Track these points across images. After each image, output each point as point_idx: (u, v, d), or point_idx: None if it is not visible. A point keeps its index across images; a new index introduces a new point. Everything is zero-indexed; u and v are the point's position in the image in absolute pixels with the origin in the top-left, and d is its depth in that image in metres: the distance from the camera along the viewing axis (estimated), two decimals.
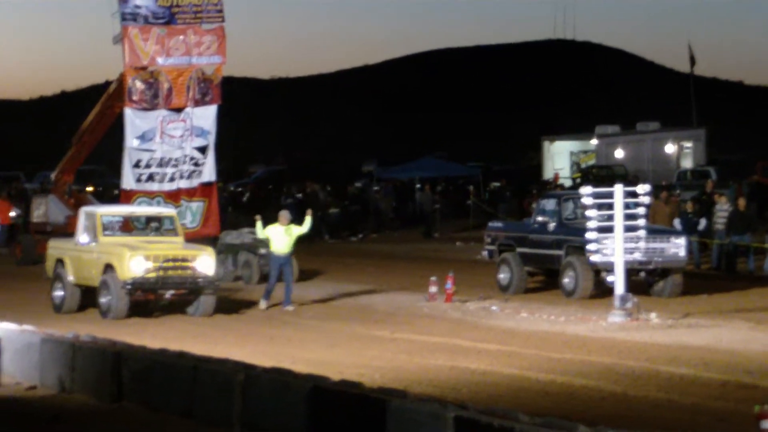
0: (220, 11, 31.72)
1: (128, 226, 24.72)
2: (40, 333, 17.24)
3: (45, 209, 33.79)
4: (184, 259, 23.18)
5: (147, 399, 14.70)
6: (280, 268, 24.62)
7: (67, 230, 31.25)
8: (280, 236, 24.77)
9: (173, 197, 30.81)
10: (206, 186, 31.45)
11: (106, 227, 24.05)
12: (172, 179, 31.05)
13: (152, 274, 22.80)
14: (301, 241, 37.22)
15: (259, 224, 24.99)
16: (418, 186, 49.50)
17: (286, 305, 24.47)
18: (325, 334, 21.33)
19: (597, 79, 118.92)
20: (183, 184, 31.11)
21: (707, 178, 47.97)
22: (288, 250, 24.76)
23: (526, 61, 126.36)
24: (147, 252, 23.02)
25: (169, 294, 23.14)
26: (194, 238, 27.17)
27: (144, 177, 30.91)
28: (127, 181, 30.97)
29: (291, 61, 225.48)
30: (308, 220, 25.33)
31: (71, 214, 32.49)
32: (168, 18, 31.27)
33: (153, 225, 24.62)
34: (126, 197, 30.79)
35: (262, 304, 24.57)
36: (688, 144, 57.81)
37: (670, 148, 57.69)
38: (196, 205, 31.19)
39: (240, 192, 52.03)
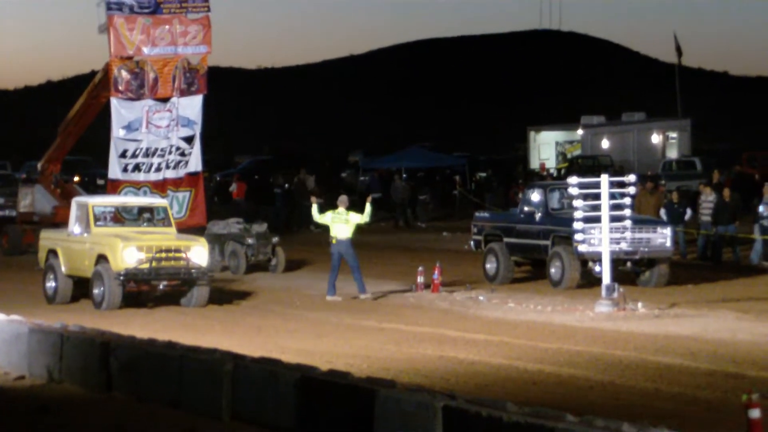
0: (206, 1, 31.66)
1: (120, 216, 24.65)
2: (28, 323, 17.22)
3: (31, 199, 33.72)
4: (177, 250, 23.14)
5: (136, 389, 14.70)
6: (341, 257, 24.28)
7: (53, 220, 31.23)
8: (334, 221, 24.48)
9: (159, 187, 30.77)
10: (192, 176, 31.40)
11: (98, 218, 23.99)
12: (158, 169, 31.00)
13: (145, 265, 22.76)
14: (287, 232, 37.11)
15: (315, 207, 24.78)
16: (405, 176, 49.47)
17: (362, 293, 24.20)
18: (312, 324, 21.34)
19: (582, 69, 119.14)
20: (169, 174, 31.06)
21: (693, 168, 48.09)
22: (345, 236, 24.40)
23: (512, 51, 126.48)
24: (140, 243, 22.98)
25: (162, 285, 23.09)
26: (181, 229, 27.13)
27: (130, 167, 30.85)
28: (114, 171, 30.89)
29: (277, 51, 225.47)
30: (368, 208, 24.95)
31: (58, 204, 32.44)
32: (153, 8, 31.19)
33: (145, 215, 24.57)
34: (112, 187, 30.73)
35: (330, 298, 24.23)
36: (674, 134, 57.99)
37: (655, 139, 57.84)
38: (183, 195, 31.15)
39: (228, 182, 51.96)
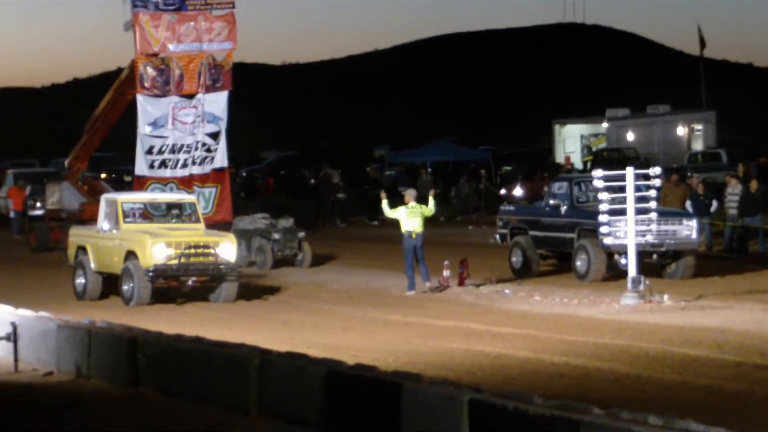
0: None
1: (149, 213, 24.71)
2: (56, 319, 17.33)
3: (59, 196, 33.85)
4: (206, 246, 23.19)
5: (163, 384, 14.78)
6: (414, 250, 24.20)
7: (81, 217, 31.34)
8: (409, 216, 24.41)
9: (186, 183, 30.87)
10: (218, 172, 31.48)
11: (127, 214, 24.06)
12: (184, 165, 31.09)
13: (174, 261, 22.82)
14: (313, 226, 37.16)
15: (385, 203, 24.81)
16: (430, 170, 49.47)
17: (426, 281, 24.25)
18: (338, 318, 21.39)
19: (607, 62, 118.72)
20: (195, 170, 31.15)
21: (719, 161, 47.89)
22: (420, 230, 24.34)
23: (537, 45, 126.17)
24: (169, 239, 23.04)
25: (191, 281, 23.15)
26: (208, 225, 27.23)
27: (157, 163, 30.96)
28: (140, 168, 31.01)
29: (302, 46, 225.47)
30: (432, 201, 24.88)
31: (85, 201, 32.58)
32: (179, 4, 31.28)
33: (174, 212, 24.62)
34: (139, 184, 30.85)
35: (410, 293, 24.18)
36: (699, 126, 57.79)
37: (680, 131, 57.65)
38: (209, 191, 31.23)
39: (253, 178, 52.10)
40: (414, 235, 24.24)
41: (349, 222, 42.09)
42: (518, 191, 42.19)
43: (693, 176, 34.08)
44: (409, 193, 24.94)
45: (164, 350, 15.00)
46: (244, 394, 13.46)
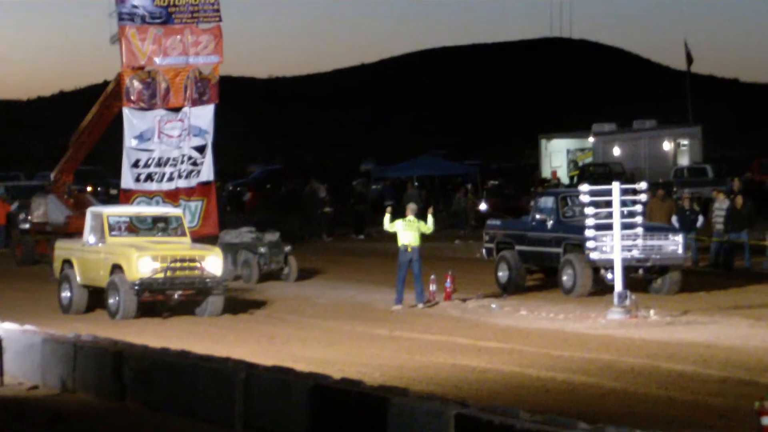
0: (217, 11, 31.80)
1: (135, 226, 24.69)
2: (42, 333, 17.29)
3: (45, 209, 33.80)
4: (192, 260, 23.17)
5: (149, 398, 14.75)
6: (409, 264, 24.11)
7: (66, 230, 31.30)
8: (405, 229, 24.32)
9: (172, 197, 30.88)
10: (204, 185, 31.52)
11: (113, 228, 24.01)
12: (170, 179, 31.11)
13: (160, 275, 22.80)
14: (299, 240, 37.13)
15: (387, 216, 24.74)
16: (416, 184, 49.48)
17: (419, 301, 24.09)
18: (325, 332, 21.38)
19: (593, 76, 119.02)
20: (181, 183, 31.18)
21: (705, 176, 48.03)
22: (416, 244, 24.26)
23: (523, 59, 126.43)
24: (155, 252, 23.02)
25: (177, 294, 23.12)
26: (194, 238, 27.22)
27: (143, 177, 30.97)
28: (126, 181, 31.03)
29: (288, 60, 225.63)
30: (431, 218, 24.72)
31: (71, 215, 32.53)
32: (165, 18, 31.33)
33: (160, 225, 24.61)
34: (125, 197, 30.86)
35: (397, 307, 24.02)
36: (685, 141, 58.00)
37: (666, 146, 57.85)
38: (195, 205, 31.26)
39: (240, 192, 52.12)
40: (409, 249, 24.23)
41: (335, 236, 42.12)
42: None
43: (684, 191, 34.07)
44: (410, 208, 24.97)
45: (150, 364, 14.97)
46: (230, 409, 13.44)
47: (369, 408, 11.81)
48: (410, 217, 24.45)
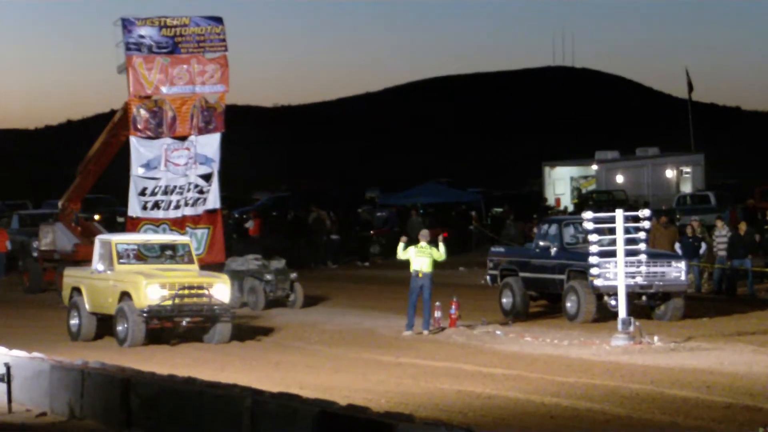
0: (223, 40, 31.99)
1: (143, 254, 24.82)
2: (50, 360, 17.39)
3: (52, 237, 33.94)
4: (200, 287, 23.30)
5: (156, 425, 14.83)
6: (420, 290, 24.31)
7: (74, 258, 31.43)
8: (417, 255, 24.50)
9: (178, 224, 31.03)
10: (211, 213, 31.67)
11: (122, 255, 24.16)
12: (177, 206, 31.27)
13: (168, 302, 22.92)
14: (305, 267, 37.19)
15: (402, 245, 24.81)
16: (421, 211, 49.58)
17: (425, 328, 24.26)
18: (330, 359, 21.48)
19: (596, 105, 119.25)
20: (188, 211, 31.33)
21: (707, 203, 48.16)
22: (428, 270, 24.48)
23: (526, 88, 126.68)
24: (163, 280, 23.14)
25: (185, 321, 23.24)
26: (200, 266, 27.35)
27: (150, 204, 31.12)
28: (133, 209, 31.17)
29: (294, 89, 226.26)
30: (442, 246, 24.88)
31: (78, 242, 32.67)
32: (172, 47, 31.54)
33: (167, 253, 24.74)
34: (132, 225, 30.99)
35: (408, 333, 24.23)
36: (687, 169, 58.17)
37: (669, 173, 58.01)
38: (201, 232, 31.40)
39: (245, 219, 52.19)
40: (420, 275, 24.40)
41: (341, 263, 42.23)
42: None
43: (692, 218, 33.96)
44: (423, 235, 25.13)
45: (157, 391, 15.06)
46: None
47: None
48: (422, 244, 24.63)
